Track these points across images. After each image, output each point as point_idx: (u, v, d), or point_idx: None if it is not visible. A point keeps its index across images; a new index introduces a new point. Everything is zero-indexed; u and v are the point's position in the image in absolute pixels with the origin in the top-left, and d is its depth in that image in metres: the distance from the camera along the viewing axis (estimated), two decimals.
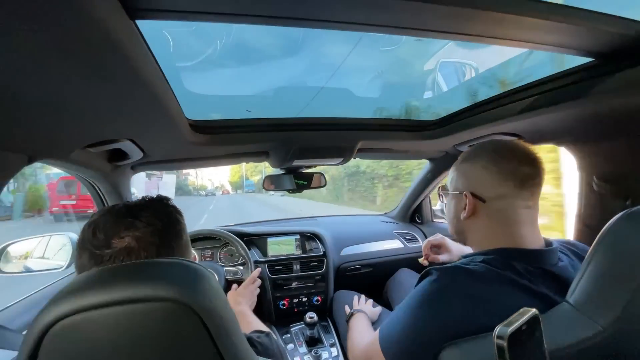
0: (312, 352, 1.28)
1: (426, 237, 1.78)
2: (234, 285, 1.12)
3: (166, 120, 0.71)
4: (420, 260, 1.03)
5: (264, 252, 1.56)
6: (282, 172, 1.29)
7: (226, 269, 1.37)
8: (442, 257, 1.00)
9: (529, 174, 0.58)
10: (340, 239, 1.69)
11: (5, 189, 0.59)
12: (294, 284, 1.52)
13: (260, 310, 1.03)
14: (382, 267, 1.65)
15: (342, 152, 1.13)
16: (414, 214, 1.92)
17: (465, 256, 0.63)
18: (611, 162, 0.84)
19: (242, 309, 1.00)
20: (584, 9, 0.48)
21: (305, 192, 1.32)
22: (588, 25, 0.48)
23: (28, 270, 1.00)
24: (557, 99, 0.68)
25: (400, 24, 0.47)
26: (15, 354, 0.58)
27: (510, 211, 0.59)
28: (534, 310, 0.34)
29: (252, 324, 0.94)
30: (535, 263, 0.56)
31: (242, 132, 0.95)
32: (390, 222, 1.93)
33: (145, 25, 0.43)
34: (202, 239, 1.50)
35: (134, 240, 0.47)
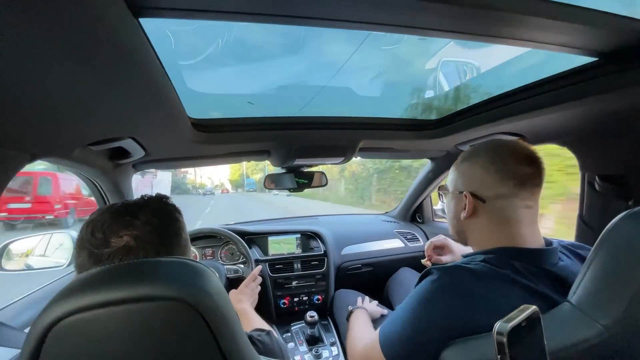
0: (313, 351, 1.28)
1: (427, 237, 1.79)
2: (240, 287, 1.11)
3: (168, 119, 0.71)
4: (422, 261, 1.02)
5: (265, 251, 1.56)
6: (282, 171, 1.29)
7: (227, 268, 1.38)
8: (445, 258, 1.00)
9: (528, 174, 0.58)
10: (341, 238, 1.69)
11: None
12: (294, 283, 1.52)
13: (260, 309, 1.03)
14: (383, 266, 1.65)
15: (344, 151, 1.13)
16: (414, 214, 1.92)
17: (466, 256, 0.63)
18: (613, 162, 0.84)
19: (243, 306, 1.00)
20: (588, 8, 0.47)
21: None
22: (592, 24, 0.48)
23: (29, 268, 1.00)
24: (560, 99, 0.68)
25: (404, 23, 0.47)
26: (17, 351, 0.58)
27: (510, 211, 0.59)
28: (534, 307, 0.34)
29: (254, 322, 0.94)
30: (535, 262, 0.56)
31: (244, 130, 0.95)
32: (391, 222, 1.93)
33: (149, 24, 0.43)
34: (203, 237, 1.50)
35: (132, 239, 0.46)
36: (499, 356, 0.32)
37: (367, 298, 1.26)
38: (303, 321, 1.33)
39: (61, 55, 0.38)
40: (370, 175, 14.13)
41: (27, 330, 0.31)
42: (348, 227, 1.84)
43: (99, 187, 1.05)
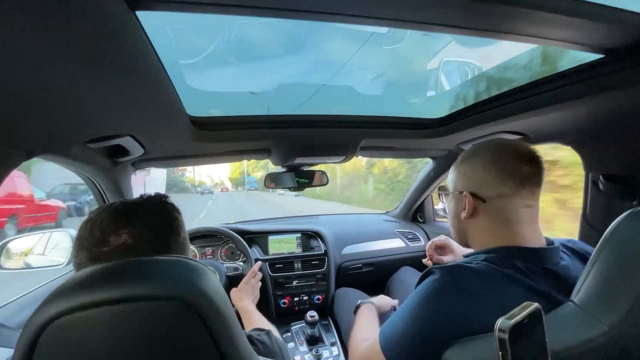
0: (313, 351, 1.28)
1: (428, 237, 1.78)
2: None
3: (167, 116, 0.70)
4: (424, 260, 1.02)
5: (265, 250, 1.56)
6: (283, 169, 1.29)
7: (227, 266, 1.37)
8: (446, 258, 0.99)
9: (528, 173, 0.58)
10: (342, 238, 1.68)
11: None
12: (294, 283, 1.52)
13: (260, 309, 1.02)
14: (384, 266, 1.64)
15: (345, 150, 1.12)
16: (416, 213, 1.91)
17: (467, 255, 0.63)
18: (618, 161, 0.83)
19: (244, 304, 1.00)
20: (595, 2, 0.46)
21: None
22: (599, 19, 0.47)
23: (28, 266, 1.00)
24: (565, 97, 0.67)
25: (408, 18, 0.46)
26: (12, 351, 0.57)
27: (511, 210, 0.59)
28: (535, 304, 0.34)
29: (255, 320, 0.93)
30: (537, 261, 0.55)
31: (244, 129, 0.94)
32: (392, 221, 1.92)
33: (148, 21, 0.42)
34: (203, 236, 1.50)
35: (130, 238, 0.47)
36: (500, 353, 0.32)
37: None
38: (303, 321, 1.32)
39: (56, 49, 0.37)
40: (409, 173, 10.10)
41: None
42: (349, 227, 1.83)
43: (98, 186, 1.05)
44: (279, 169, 1.30)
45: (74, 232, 1.02)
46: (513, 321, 0.32)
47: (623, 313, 0.41)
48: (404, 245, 1.74)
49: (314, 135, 1.02)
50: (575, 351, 0.42)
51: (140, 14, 0.39)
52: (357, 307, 0.96)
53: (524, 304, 0.34)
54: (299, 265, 1.54)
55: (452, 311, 0.52)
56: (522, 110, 0.78)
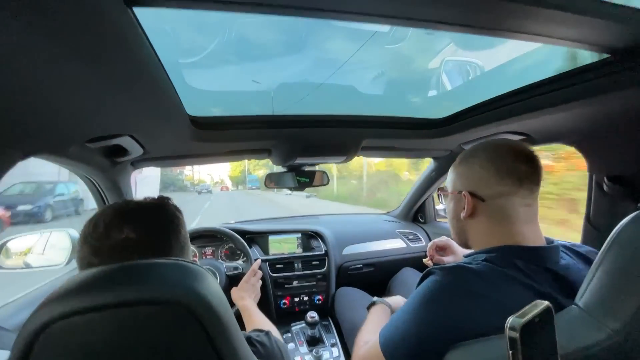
0: (313, 352, 1.27)
1: (429, 237, 1.77)
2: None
3: (166, 116, 0.70)
4: (425, 261, 1.01)
5: (265, 251, 1.55)
6: (283, 169, 1.28)
7: (226, 265, 1.37)
8: (447, 259, 0.99)
9: (526, 172, 0.58)
10: (342, 238, 1.68)
11: None
12: (295, 283, 1.51)
13: (261, 309, 1.02)
14: (384, 266, 1.64)
15: (346, 150, 1.12)
16: (416, 214, 1.90)
17: (467, 255, 0.63)
18: (623, 162, 0.82)
19: (245, 303, 0.99)
20: (602, 0, 0.45)
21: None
22: (606, 18, 0.46)
23: (27, 266, 0.99)
24: (569, 97, 0.67)
25: (412, 16, 0.45)
26: (8, 353, 0.57)
27: (510, 209, 0.59)
28: (546, 303, 0.34)
29: (255, 319, 0.93)
30: (537, 261, 0.55)
31: (245, 128, 0.93)
32: (393, 222, 1.92)
33: (146, 19, 0.41)
34: (203, 236, 1.49)
35: (132, 233, 0.48)
36: (510, 352, 0.32)
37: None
38: (303, 321, 1.32)
39: (53, 48, 0.36)
40: None
41: None
42: (349, 227, 1.82)
43: (97, 186, 1.04)
44: (279, 168, 1.29)
45: (73, 232, 1.02)
46: (524, 320, 0.32)
47: (628, 317, 0.40)
48: (404, 245, 1.73)
49: (315, 135, 1.01)
50: (580, 355, 0.41)
51: (137, 11, 0.38)
52: (372, 304, 0.90)
53: (535, 302, 0.34)
54: (300, 265, 1.53)
55: (452, 312, 0.51)
56: (525, 111, 0.77)
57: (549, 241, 0.61)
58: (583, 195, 0.95)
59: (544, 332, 0.34)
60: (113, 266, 0.33)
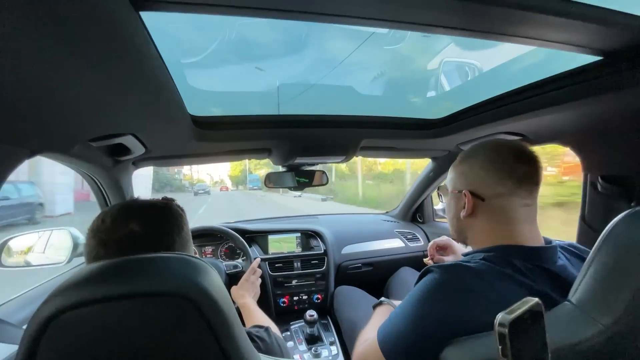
0: (312, 350, 1.28)
1: (427, 237, 1.78)
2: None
3: (168, 116, 0.71)
4: (425, 260, 1.02)
5: (265, 250, 1.56)
6: (283, 169, 1.29)
7: (226, 264, 1.38)
8: (447, 258, 0.99)
9: (527, 173, 0.59)
10: (341, 238, 1.68)
11: None
12: (294, 282, 1.52)
13: (260, 307, 1.03)
14: (383, 266, 1.65)
15: (345, 150, 1.13)
16: (415, 213, 1.91)
17: (466, 254, 0.64)
18: (617, 162, 0.83)
19: (245, 302, 1.00)
20: (593, 5, 0.47)
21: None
22: (597, 22, 0.48)
23: (29, 264, 1.00)
24: (564, 99, 0.68)
25: (408, 19, 0.46)
26: (15, 347, 0.58)
27: (509, 209, 0.59)
28: (536, 300, 0.34)
29: (255, 317, 0.94)
30: (534, 261, 0.56)
31: (245, 128, 0.94)
32: (392, 221, 1.92)
33: (151, 20, 0.42)
34: (203, 235, 1.50)
35: (138, 227, 0.50)
36: (500, 347, 0.32)
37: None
38: (302, 320, 1.33)
39: (60, 49, 0.37)
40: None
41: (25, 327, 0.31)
42: (348, 227, 1.83)
43: (99, 184, 1.05)
44: (279, 168, 1.30)
45: (75, 230, 1.03)
46: (513, 316, 0.32)
47: (620, 312, 0.41)
48: (403, 245, 1.74)
49: (315, 135, 1.02)
50: (572, 351, 0.42)
51: (144, 15, 0.39)
52: (379, 304, 0.88)
53: (525, 299, 0.34)
54: (299, 264, 1.54)
55: (450, 309, 0.52)
56: (521, 112, 0.78)
57: (548, 241, 0.61)
58: None
59: (534, 328, 0.34)
60: (119, 259, 0.34)
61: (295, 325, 1.44)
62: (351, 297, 1.37)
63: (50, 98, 0.48)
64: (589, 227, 0.92)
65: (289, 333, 1.40)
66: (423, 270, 0.60)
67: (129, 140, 0.80)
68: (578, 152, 0.93)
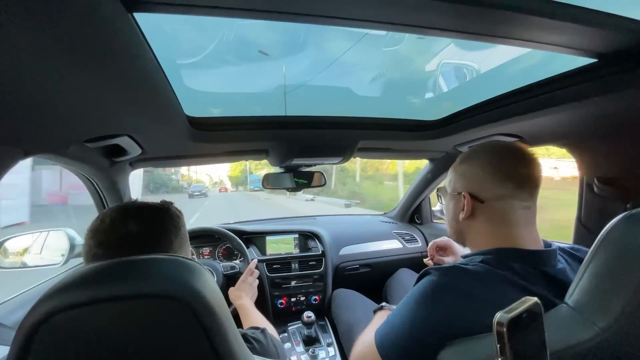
0: (309, 352, 1.28)
1: (425, 238, 1.78)
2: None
3: (165, 116, 0.71)
4: (425, 260, 1.02)
5: (263, 251, 1.56)
6: (281, 170, 1.29)
7: (224, 265, 1.37)
8: (447, 259, 0.99)
9: (527, 175, 0.58)
10: (339, 239, 1.68)
11: None
12: (292, 283, 1.52)
13: (258, 308, 1.02)
14: (381, 267, 1.64)
15: (343, 151, 1.13)
16: (413, 215, 1.91)
17: (465, 256, 0.63)
18: (613, 164, 0.84)
19: (243, 302, 1.00)
20: (588, 8, 0.47)
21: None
22: (593, 24, 0.48)
23: (25, 265, 1.00)
24: (559, 100, 0.68)
25: (403, 21, 0.46)
26: (7, 349, 0.57)
27: (509, 212, 0.59)
28: (535, 300, 0.34)
29: (252, 318, 0.94)
30: (533, 264, 0.55)
31: (242, 129, 0.94)
32: (390, 222, 1.92)
33: (145, 21, 0.42)
34: (201, 236, 1.50)
35: (135, 227, 0.51)
36: (498, 346, 0.32)
37: None
38: (300, 321, 1.33)
39: (53, 49, 0.37)
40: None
41: None
42: (346, 228, 1.83)
43: (95, 185, 1.05)
44: (277, 169, 1.30)
45: (71, 231, 1.02)
46: (511, 315, 0.32)
47: (616, 314, 0.41)
48: (401, 246, 1.74)
49: (312, 136, 1.02)
50: (568, 353, 0.42)
51: (138, 16, 0.39)
52: (380, 309, 0.86)
53: (523, 299, 0.34)
54: (297, 265, 1.54)
55: (447, 311, 0.52)
56: (517, 113, 0.78)
57: (547, 244, 0.61)
58: None
59: (532, 328, 0.34)
60: (111, 261, 0.33)
61: (293, 327, 1.43)
62: (348, 300, 1.37)
63: (44, 99, 0.48)
64: (586, 229, 0.92)
65: (286, 334, 1.40)
66: (422, 272, 0.60)
67: (125, 141, 0.80)
68: (574, 153, 0.93)
